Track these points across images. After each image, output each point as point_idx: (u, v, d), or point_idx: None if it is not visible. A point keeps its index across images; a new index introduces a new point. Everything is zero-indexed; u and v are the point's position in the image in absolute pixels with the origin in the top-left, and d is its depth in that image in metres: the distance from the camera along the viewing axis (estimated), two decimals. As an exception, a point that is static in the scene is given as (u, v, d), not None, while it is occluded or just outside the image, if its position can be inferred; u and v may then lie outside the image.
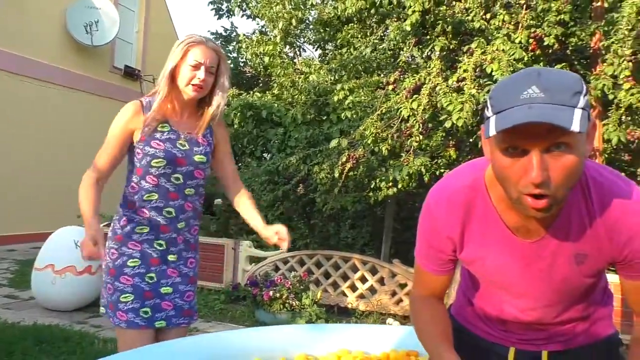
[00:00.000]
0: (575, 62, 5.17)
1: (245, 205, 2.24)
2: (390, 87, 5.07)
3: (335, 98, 6.12)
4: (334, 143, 5.16)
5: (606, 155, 5.67)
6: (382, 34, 5.59)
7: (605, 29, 4.57)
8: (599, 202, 1.07)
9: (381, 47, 5.90)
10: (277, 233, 2.09)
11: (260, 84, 13.80)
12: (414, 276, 1.39)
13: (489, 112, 0.97)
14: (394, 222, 7.30)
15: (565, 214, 1.08)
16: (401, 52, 5.34)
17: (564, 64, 4.65)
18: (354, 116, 6.17)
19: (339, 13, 5.00)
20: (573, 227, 1.08)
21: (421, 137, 4.47)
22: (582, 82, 0.94)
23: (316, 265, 6.33)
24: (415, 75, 4.65)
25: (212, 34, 14.80)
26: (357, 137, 4.82)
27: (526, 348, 1.32)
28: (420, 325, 1.30)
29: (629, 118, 4.71)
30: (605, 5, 4.78)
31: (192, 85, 1.96)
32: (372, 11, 4.74)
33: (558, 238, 1.10)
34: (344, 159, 5.20)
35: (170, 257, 2.06)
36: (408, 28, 4.41)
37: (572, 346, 1.27)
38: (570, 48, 4.91)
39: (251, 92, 11.03)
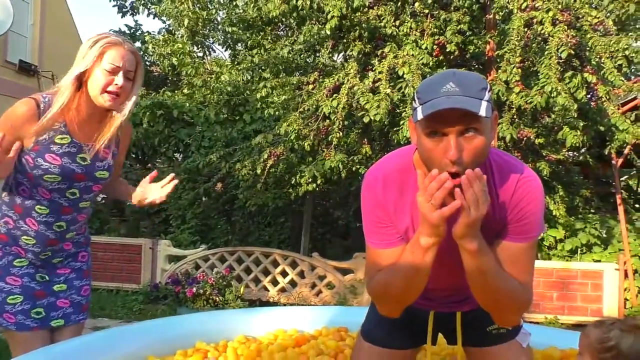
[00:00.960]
0: (473, 68, 5.74)
1: (119, 184, 2.10)
2: (311, 86, 5.33)
3: (258, 95, 6.26)
4: (258, 139, 5.31)
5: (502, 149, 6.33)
6: (299, 37, 5.83)
7: (498, 38, 5.15)
8: (499, 179, 1.29)
9: (298, 48, 6.14)
10: (161, 186, 1.94)
11: (169, 84, 13.50)
12: (367, 267, 1.44)
13: (416, 104, 1.22)
14: (311, 219, 7.57)
15: None
16: (319, 54, 5.61)
17: (463, 69, 5.16)
18: (276, 113, 6.35)
19: (263, 15, 5.15)
20: None
21: (340, 134, 4.76)
22: (486, 81, 1.21)
23: (237, 261, 6.42)
24: (334, 75, 4.94)
25: (115, 31, 14.22)
26: (281, 133, 5.00)
27: (444, 310, 1.52)
28: (386, 279, 1.36)
29: (519, 119, 5.34)
30: (497, 17, 5.39)
31: (108, 92, 1.70)
32: (294, 14, 4.96)
33: None
34: (265, 156, 5.36)
35: (55, 260, 1.91)
36: (328, 32, 4.68)
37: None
38: (468, 55, 5.46)
39: (161, 92, 10.80)
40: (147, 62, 14.05)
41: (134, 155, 10.36)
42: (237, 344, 2.25)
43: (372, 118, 4.28)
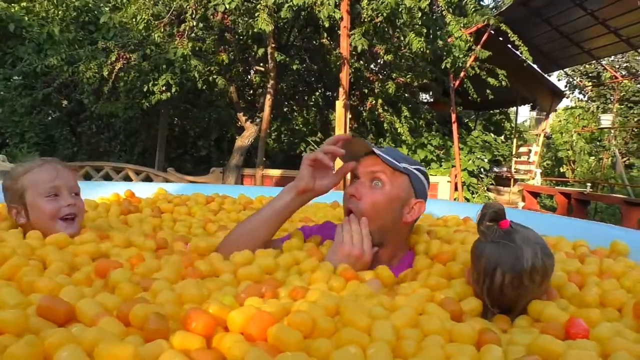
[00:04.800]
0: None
1: None
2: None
3: None
4: (104, 18, 4.95)
5: (353, 70, 6.63)
6: None
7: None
8: None
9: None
10: None
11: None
12: None
13: None
14: (169, 139, 7.32)
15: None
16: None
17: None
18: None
19: None
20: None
21: (194, 22, 4.62)
22: (411, 160, 1.35)
23: (85, 178, 6.03)
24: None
25: None
26: (129, 16, 4.70)
27: None
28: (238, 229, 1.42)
29: (372, 34, 5.63)
30: None
31: None
32: None
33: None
34: (113, 58, 5.03)
35: None
36: None
37: None
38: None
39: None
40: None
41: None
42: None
43: (227, 6, 4.21)
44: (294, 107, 9.34)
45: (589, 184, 8.41)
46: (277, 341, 0.82)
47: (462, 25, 5.66)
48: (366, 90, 7.10)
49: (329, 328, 0.89)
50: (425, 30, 4.87)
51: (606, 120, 9.55)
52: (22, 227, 1.37)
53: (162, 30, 4.63)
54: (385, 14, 4.81)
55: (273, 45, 5.69)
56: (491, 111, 13.15)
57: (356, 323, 0.89)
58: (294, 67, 5.91)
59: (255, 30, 4.51)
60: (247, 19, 4.65)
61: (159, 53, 4.84)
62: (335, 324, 0.92)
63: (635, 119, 13.42)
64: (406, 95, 7.48)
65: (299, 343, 0.82)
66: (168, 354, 0.74)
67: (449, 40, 5.68)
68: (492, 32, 7.15)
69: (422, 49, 4.81)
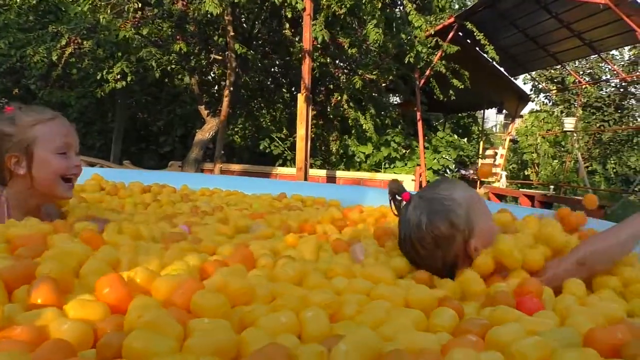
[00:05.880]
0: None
1: None
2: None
3: None
4: None
5: (318, 64, 6.53)
6: None
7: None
8: None
9: None
10: None
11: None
12: None
13: None
14: (129, 131, 7.07)
15: None
16: None
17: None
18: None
19: None
20: None
21: (138, 5, 4.43)
22: None
23: (34, 168, 5.76)
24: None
25: None
26: None
27: None
28: None
29: (337, 27, 5.53)
30: None
31: None
32: None
33: None
34: (63, 42, 4.81)
35: None
36: None
37: None
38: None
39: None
40: None
41: None
42: None
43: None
44: (262, 103, 9.18)
45: (551, 187, 8.50)
46: (196, 307, 0.71)
47: (429, 24, 5.62)
48: (332, 86, 7.00)
49: (265, 296, 0.80)
50: (384, 21, 4.78)
51: (569, 123, 9.69)
52: (19, 178, 1.29)
53: (109, 12, 4.44)
54: (348, 5, 4.73)
55: (232, 34, 5.54)
56: (459, 114, 13.24)
57: (291, 294, 0.79)
58: (254, 59, 5.75)
59: (202, 12, 4.35)
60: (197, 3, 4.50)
61: (105, 37, 4.65)
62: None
63: (598, 124, 13.69)
64: (374, 94, 7.42)
65: (220, 308, 0.71)
66: (57, 322, 0.63)
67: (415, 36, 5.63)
68: (460, 33, 7.15)
69: (379, 41, 4.73)
